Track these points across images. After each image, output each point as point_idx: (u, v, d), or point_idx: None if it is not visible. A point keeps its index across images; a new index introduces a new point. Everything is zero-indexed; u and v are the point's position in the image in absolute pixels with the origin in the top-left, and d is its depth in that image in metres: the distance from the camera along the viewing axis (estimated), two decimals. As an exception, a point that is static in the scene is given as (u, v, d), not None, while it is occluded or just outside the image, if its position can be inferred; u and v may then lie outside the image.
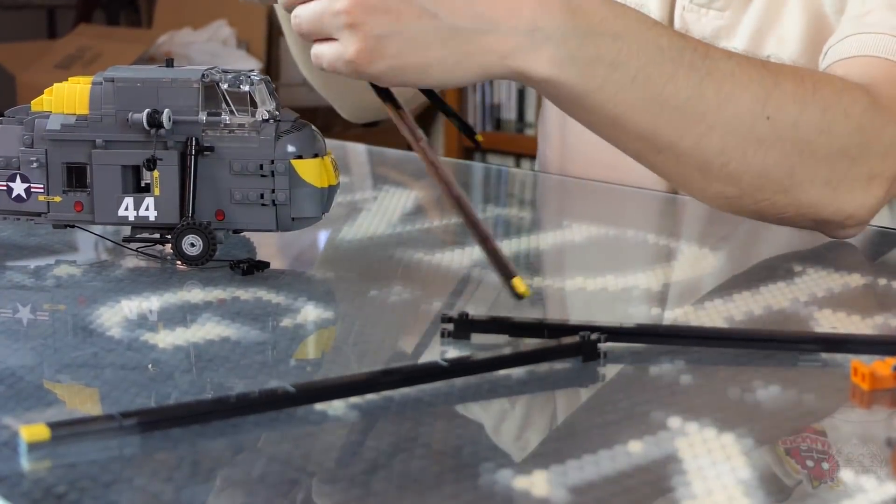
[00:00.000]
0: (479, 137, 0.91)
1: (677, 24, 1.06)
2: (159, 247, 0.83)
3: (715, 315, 0.72)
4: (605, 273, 0.81)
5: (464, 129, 0.91)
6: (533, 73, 0.74)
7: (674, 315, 0.74)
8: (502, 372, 0.61)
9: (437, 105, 0.91)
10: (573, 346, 0.62)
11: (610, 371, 0.62)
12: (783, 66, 0.83)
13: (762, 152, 0.80)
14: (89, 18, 3.78)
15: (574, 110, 0.78)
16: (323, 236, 0.93)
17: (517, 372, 0.61)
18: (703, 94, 0.77)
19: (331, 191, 0.79)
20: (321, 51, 0.74)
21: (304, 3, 0.74)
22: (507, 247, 0.89)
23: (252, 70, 0.80)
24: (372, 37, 0.71)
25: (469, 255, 0.85)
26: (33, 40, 3.91)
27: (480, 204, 1.14)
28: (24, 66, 3.41)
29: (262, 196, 0.78)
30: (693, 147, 0.79)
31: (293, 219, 0.78)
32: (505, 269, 0.66)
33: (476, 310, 0.67)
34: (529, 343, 0.64)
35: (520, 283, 0.66)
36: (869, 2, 0.91)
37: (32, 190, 0.81)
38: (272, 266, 0.80)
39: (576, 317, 0.75)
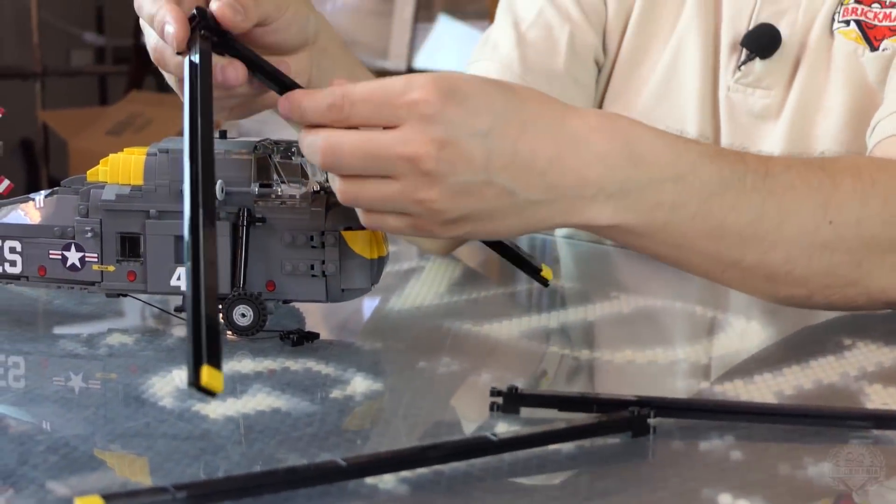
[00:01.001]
0: (547, 275, 0.87)
1: (722, 105, 1.06)
2: (210, 316, 0.83)
3: (765, 389, 0.71)
4: (653, 345, 0.81)
5: (530, 271, 0.87)
6: (594, 224, 0.74)
7: (723, 389, 0.73)
8: (552, 447, 0.61)
9: (502, 252, 0.87)
10: (623, 421, 0.62)
11: (660, 446, 0.62)
12: (840, 161, 0.83)
13: (827, 255, 0.79)
14: (140, 85, 3.83)
15: (633, 246, 0.78)
16: (371, 306, 0.93)
17: (567, 447, 0.61)
18: (765, 214, 0.77)
19: (380, 262, 0.80)
20: (391, 224, 0.72)
21: (375, 195, 0.71)
22: (555, 318, 0.89)
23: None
24: (452, 218, 0.71)
25: (517, 326, 0.86)
26: (85, 107, 3.98)
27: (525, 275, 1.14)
28: (76, 132, 3.46)
29: (312, 267, 0.78)
30: (758, 262, 0.79)
31: (343, 290, 0.79)
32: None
33: (524, 382, 0.67)
34: (579, 417, 0.64)
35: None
36: None
37: (87, 259, 0.82)
38: (321, 336, 0.80)
39: (625, 390, 0.75)
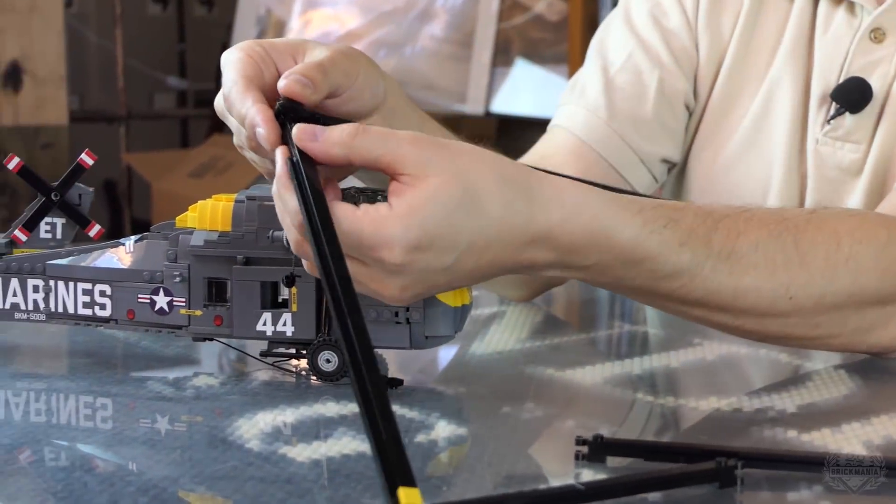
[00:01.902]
0: None
1: (810, 158, 1.05)
2: (294, 361, 0.84)
3: (853, 439, 0.70)
4: (738, 393, 0.80)
5: None
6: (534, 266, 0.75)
7: (810, 438, 0.72)
8: (638, 496, 0.60)
9: None
10: (710, 471, 0.61)
11: (747, 498, 0.62)
12: (824, 227, 0.82)
13: (781, 320, 0.81)
14: (221, 129, 3.89)
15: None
16: (453, 351, 0.94)
17: (653, 496, 0.61)
18: (719, 293, 0.78)
19: (464, 310, 0.80)
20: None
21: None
22: (639, 365, 0.89)
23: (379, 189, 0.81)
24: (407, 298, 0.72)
25: (600, 373, 0.85)
26: (168, 150, 4.04)
27: (608, 320, 1.14)
28: (159, 174, 3.52)
29: (396, 314, 0.79)
30: (704, 320, 0.81)
31: (427, 337, 0.79)
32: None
33: (609, 430, 0.67)
34: (665, 467, 0.64)
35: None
36: None
37: (174, 303, 0.83)
38: (405, 382, 0.80)
39: (710, 439, 0.74)
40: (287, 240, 0.73)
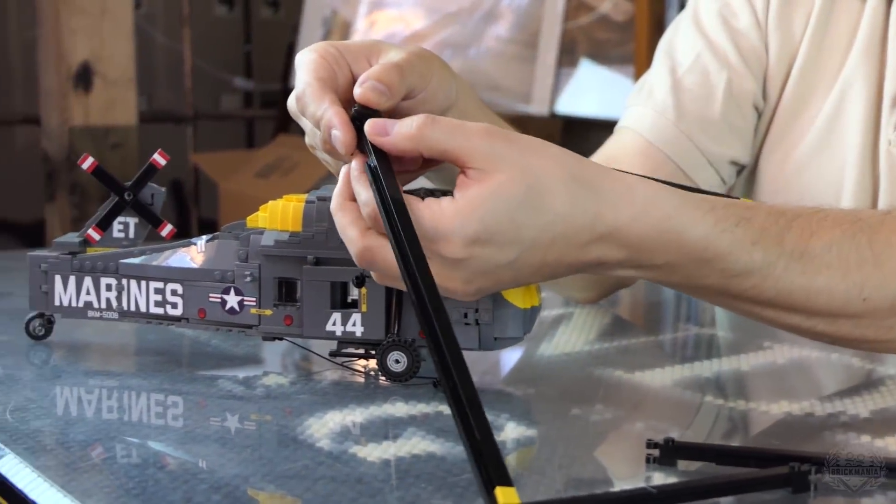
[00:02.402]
0: None
1: (883, 160, 1.03)
2: (363, 361, 0.85)
3: (928, 446, 0.69)
4: (809, 398, 0.79)
5: None
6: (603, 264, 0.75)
7: (884, 443, 0.72)
8: (710, 500, 0.60)
9: None
10: (783, 476, 0.61)
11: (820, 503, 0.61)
12: None
13: (853, 322, 0.79)
14: (287, 129, 3.92)
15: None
16: (521, 352, 0.94)
17: (725, 501, 0.60)
18: (791, 293, 0.77)
19: (533, 312, 0.80)
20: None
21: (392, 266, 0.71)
22: (708, 368, 0.88)
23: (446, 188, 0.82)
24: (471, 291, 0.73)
25: (669, 375, 0.85)
26: (234, 150, 4.08)
27: (675, 323, 1.13)
28: (226, 174, 3.55)
29: (465, 315, 0.79)
30: (793, 328, 0.80)
31: (496, 338, 0.79)
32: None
33: (679, 433, 0.66)
34: (737, 472, 0.63)
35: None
36: None
37: (245, 303, 0.84)
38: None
39: (781, 444, 0.74)
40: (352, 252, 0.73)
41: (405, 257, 0.66)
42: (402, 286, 0.70)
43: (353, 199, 0.72)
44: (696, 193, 0.77)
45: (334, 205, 0.73)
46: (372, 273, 0.74)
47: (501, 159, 0.70)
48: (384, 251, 0.70)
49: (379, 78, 0.75)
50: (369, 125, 0.72)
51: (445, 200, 0.69)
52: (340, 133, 0.73)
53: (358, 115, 0.74)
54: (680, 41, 1.13)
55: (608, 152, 1.11)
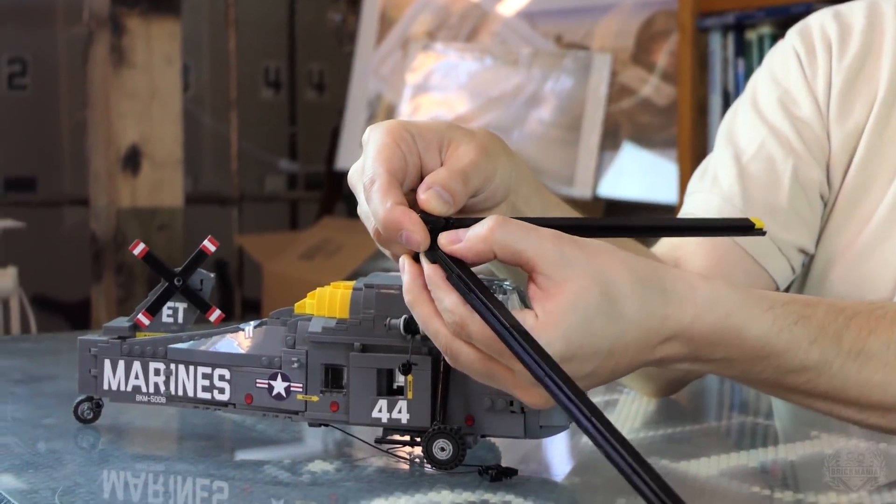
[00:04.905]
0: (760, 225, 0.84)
1: None
2: (409, 448, 0.85)
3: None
4: (859, 489, 0.78)
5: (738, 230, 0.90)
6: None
7: (935, 538, 0.71)
8: None
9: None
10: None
11: None
12: None
13: None
14: (331, 211, 3.95)
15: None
16: (566, 439, 0.93)
17: None
18: (845, 389, 0.78)
19: (579, 399, 0.80)
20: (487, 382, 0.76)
21: (479, 369, 0.74)
22: (755, 457, 0.88)
23: (505, 279, 0.82)
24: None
25: (716, 465, 0.84)
26: (278, 232, 4.11)
27: (720, 410, 1.12)
28: (270, 255, 3.58)
29: (511, 403, 0.79)
30: (845, 420, 0.81)
31: (541, 427, 0.79)
32: None
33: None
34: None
35: None
36: None
37: (292, 389, 0.84)
38: (519, 472, 0.80)
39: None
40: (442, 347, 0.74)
41: (529, 354, 0.68)
42: (476, 375, 0.74)
43: (426, 289, 0.73)
44: (757, 290, 0.77)
45: (410, 298, 0.74)
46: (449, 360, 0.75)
47: (572, 265, 0.71)
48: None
49: (444, 186, 0.76)
50: (444, 237, 0.73)
51: (529, 317, 0.71)
52: (416, 236, 0.73)
53: (436, 226, 0.74)
54: (741, 128, 1.12)
55: (673, 240, 1.10)
